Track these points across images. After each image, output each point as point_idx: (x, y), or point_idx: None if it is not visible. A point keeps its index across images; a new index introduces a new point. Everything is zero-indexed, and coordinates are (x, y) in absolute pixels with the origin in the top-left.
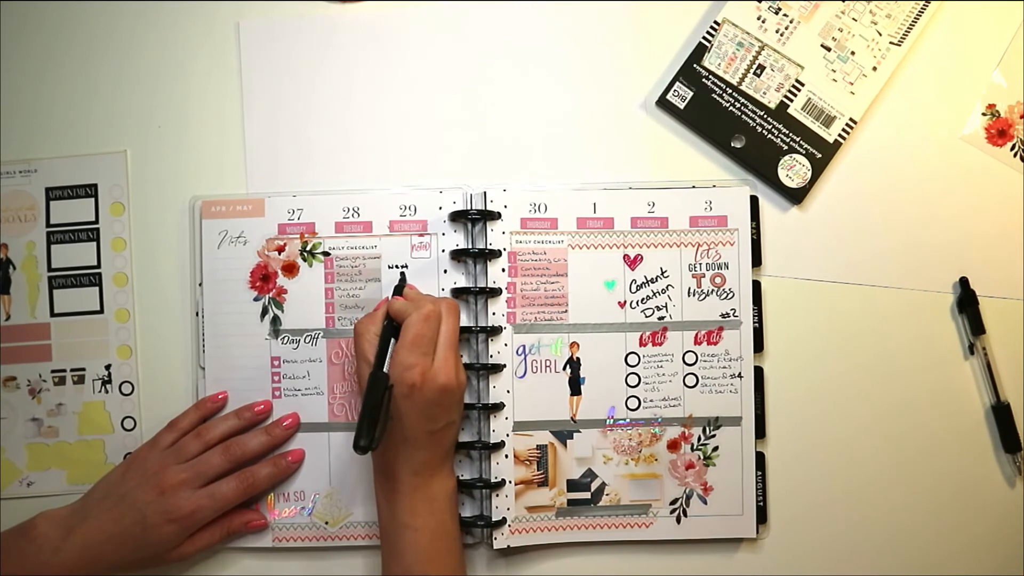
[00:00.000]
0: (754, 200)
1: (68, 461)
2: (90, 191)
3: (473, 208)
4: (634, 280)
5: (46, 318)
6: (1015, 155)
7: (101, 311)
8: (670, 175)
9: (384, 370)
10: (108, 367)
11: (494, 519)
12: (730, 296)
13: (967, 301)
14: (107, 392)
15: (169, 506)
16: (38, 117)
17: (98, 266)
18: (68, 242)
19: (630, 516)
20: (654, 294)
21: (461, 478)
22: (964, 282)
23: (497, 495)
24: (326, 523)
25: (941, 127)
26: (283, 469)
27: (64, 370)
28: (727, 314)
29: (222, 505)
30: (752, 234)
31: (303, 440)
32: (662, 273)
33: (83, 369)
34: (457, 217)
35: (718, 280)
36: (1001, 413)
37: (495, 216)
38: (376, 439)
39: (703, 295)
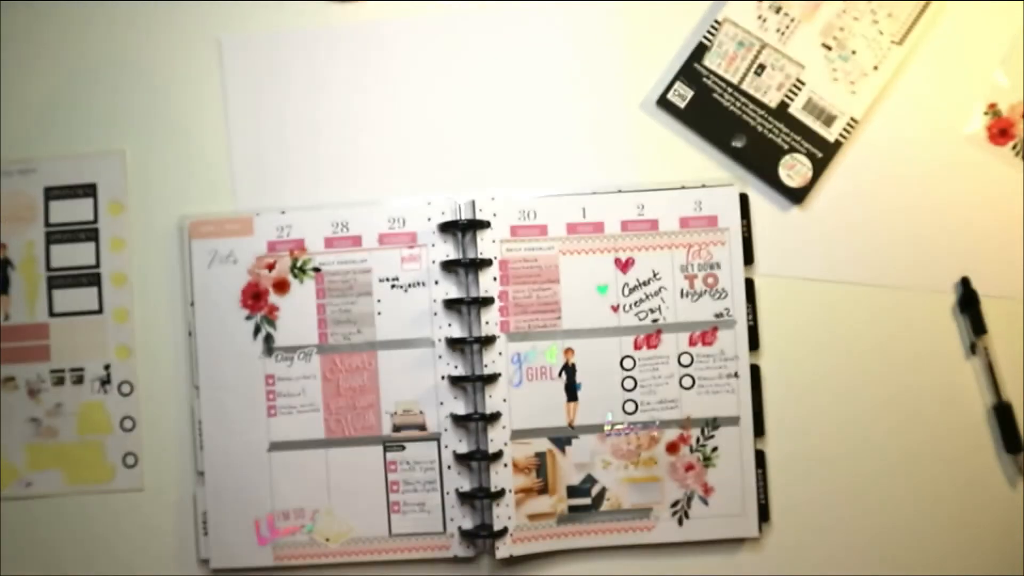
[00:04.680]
0: (743, 198)
1: (67, 461)
2: (89, 191)
3: (462, 218)
4: (626, 283)
5: (45, 318)
6: (1016, 154)
7: (100, 311)
8: (670, 176)
9: None
10: (107, 367)
11: (496, 529)
12: (723, 296)
13: (968, 301)
14: (106, 392)
15: None
16: (38, 117)
17: (97, 266)
18: (67, 242)
19: (631, 520)
20: (647, 296)
21: (461, 490)
22: (965, 282)
23: (498, 504)
24: (327, 540)
25: (942, 126)
26: None
27: (63, 370)
28: (721, 314)
29: None
30: (743, 232)
31: (301, 457)
32: (654, 275)
33: (82, 369)
34: (446, 228)
35: (710, 280)
36: (1002, 413)
37: (484, 225)
38: None
39: (696, 296)
